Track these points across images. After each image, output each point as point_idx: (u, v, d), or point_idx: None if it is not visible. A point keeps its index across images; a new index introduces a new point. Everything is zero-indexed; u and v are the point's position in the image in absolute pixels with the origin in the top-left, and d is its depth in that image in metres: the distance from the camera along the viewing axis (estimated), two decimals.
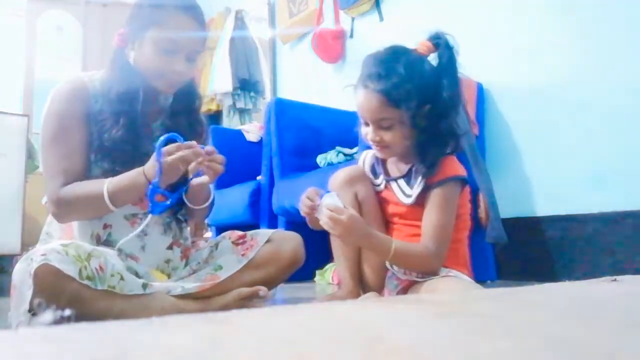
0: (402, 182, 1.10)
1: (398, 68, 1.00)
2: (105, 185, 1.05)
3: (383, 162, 1.15)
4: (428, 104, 1.01)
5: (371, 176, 1.17)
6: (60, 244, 0.96)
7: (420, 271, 1.05)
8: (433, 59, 1.06)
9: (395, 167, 1.13)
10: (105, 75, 1.15)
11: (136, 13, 1.12)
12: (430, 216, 1.03)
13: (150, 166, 1.04)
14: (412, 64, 1.01)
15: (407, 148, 1.06)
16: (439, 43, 1.04)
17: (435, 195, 1.03)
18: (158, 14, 1.09)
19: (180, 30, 1.09)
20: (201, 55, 1.16)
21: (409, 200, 1.07)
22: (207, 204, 1.22)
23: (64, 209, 1.08)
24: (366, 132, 1.06)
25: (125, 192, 1.06)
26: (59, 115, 1.10)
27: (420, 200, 1.06)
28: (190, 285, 1.11)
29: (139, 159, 1.09)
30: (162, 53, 1.09)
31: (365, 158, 1.19)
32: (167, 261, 1.17)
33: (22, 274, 0.91)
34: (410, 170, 1.09)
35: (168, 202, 1.10)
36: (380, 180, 1.14)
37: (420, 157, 1.05)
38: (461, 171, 1.07)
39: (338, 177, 1.15)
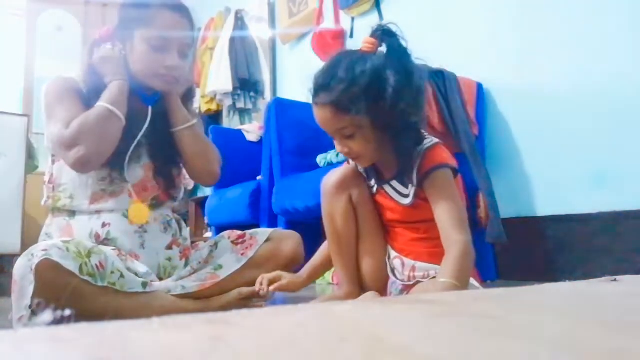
0: (395, 183, 1.06)
1: (339, 74, 0.97)
2: (102, 103, 1.09)
3: (373, 165, 1.10)
4: (381, 99, 0.95)
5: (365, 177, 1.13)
6: (61, 240, 0.96)
7: (472, 263, 0.96)
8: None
9: (385, 170, 1.08)
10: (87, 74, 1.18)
11: (123, 14, 1.15)
12: (440, 206, 0.97)
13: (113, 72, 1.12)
14: (352, 66, 0.97)
15: (378, 149, 1.01)
16: (382, 35, 0.99)
17: (432, 183, 0.99)
18: (144, 13, 1.11)
19: (169, 27, 1.11)
20: (192, 49, 1.18)
21: (407, 201, 1.03)
22: (189, 124, 1.21)
23: (75, 141, 1.06)
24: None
25: (118, 95, 1.10)
26: (57, 90, 1.13)
27: (418, 203, 1.03)
28: (191, 284, 1.11)
29: (121, 161, 1.13)
30: (153, 50, 1.11)
31: None
32: (169, 259, 1.17)
33: (23, 269, 0.91)
34: (399, 170, 1.04)
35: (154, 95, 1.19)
36: (373, 183, 1.10)
37: (398, 148, 1.00)
38: (450, 160, 1.02)
39: (330, 180, 1.11)
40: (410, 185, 1.03)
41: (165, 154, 1.21)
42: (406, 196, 1.04)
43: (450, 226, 0.95)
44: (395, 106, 0.94)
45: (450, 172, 1.02)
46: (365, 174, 1.12)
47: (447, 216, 0.96)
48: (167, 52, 1.11)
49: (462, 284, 0.89)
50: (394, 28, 0.99)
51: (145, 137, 1.18)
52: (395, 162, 1.05)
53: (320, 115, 1.00)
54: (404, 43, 0.99)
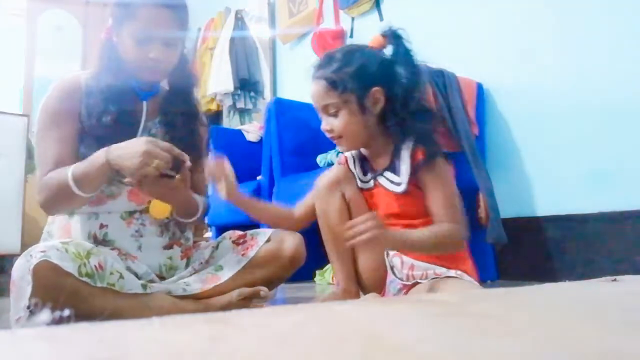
0: (388, 173, 1.08)
1: (338, 56, 1.07)
2: (70, 171, 1.04)
3: (366, 160, 1.14)
4: (375, 86, 1.04)
5: (361, 174, 1.15)
6: (60, 241, 0.96)
7: (453, 249, 1.03)
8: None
9: (377, 162, 1.12)
10: (95, 70, 1.18)
11: (114, 9, 1.16)
12: (436, 194, 1.01)
13: (120, 152, 1.02)
14: (351, 52, 1.07)
15: (365, 135, 1.07)
16: (389, 35, 1.08)
17: (428, 173, 1.02)
18: (130, 9, 1.12)
19: (152, 21, 1.11)
20: (182, 38, 1.18)
21: (401, 188, 1.05)
22: (197, 216, 1.21)
23: (44, 199, 1.08)
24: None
25: (88, 174, 1.04)
26: (51, 110, 1.13)
27: (412, 191, 1.04)
28: (192, 286, 1.11)
29: None
30: (137, 44, 1.11)
31: (354, 155, 1.18)
32: (170, 257, 1.17)
33: (21, 270, 0.91)
34: (392, 160, 1.08)
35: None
36: (369, 177, 1.13)
37: (401, 135, 1.05)
38: (442, 147, 1.08)
39: (323, 179, 1.15)
40: (403, 173, 1.05)
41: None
42: (399, 184, 1.06)
43: (441, 210, 1.01)
44: (399, 96, 1.03)
45: (443, 158, 1.05)
46: (361, 168, 1.15)
47: (441, 201, 1.01)
48: (150, 44, 1.11)
49: (412, 248, 1.00)
50: (402, 33, 1.07)
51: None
52: (386, 153, 1.09)
53: (313, 90, 1.09)
54: (409, 46, 1.07)
